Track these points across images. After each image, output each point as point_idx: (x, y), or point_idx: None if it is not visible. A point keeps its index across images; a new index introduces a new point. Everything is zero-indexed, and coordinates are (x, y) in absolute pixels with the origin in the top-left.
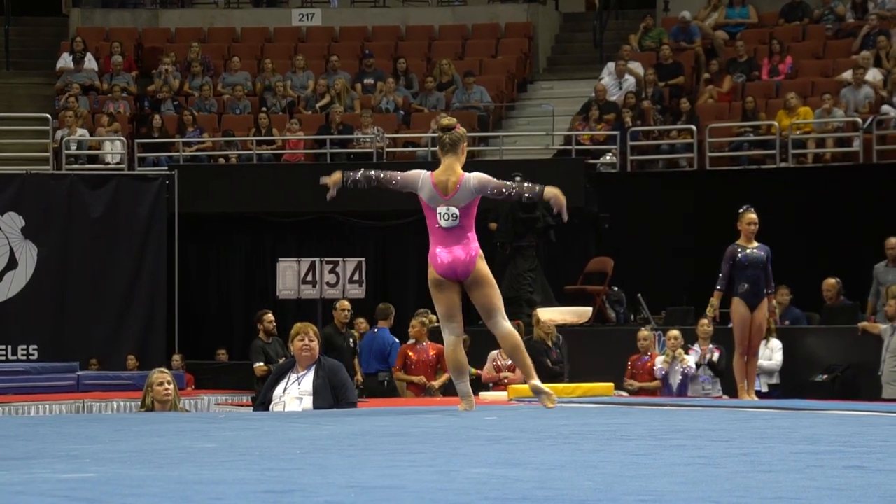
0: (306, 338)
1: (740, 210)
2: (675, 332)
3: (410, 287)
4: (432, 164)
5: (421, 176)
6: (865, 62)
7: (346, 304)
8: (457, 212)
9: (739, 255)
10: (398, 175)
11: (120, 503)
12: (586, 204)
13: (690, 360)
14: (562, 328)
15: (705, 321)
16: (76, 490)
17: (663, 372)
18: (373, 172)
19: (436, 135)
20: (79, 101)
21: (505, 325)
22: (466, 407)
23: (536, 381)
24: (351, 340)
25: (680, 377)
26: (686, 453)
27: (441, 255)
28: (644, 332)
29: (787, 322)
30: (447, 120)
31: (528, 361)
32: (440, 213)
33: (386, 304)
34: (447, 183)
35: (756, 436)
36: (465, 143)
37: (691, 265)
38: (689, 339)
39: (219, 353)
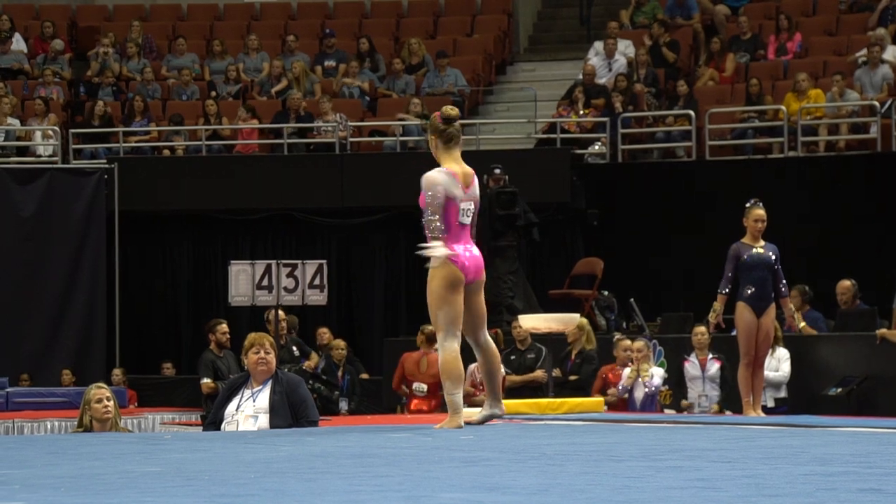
0: (262, 350)
1: (747, 205)
2: (639, 344)
3: (377, 292)
4: (400, 157)
5: (443, 177)
6: (883, 39)
7: (283, 313)
8: (472, 207)
9: (745, 255)
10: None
11: None
12: (573, 199)
13: (657, 376)
14: (545, 337)
15: (702, 329)
16: None
17: (627, 388)
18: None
19: (441, 126)
20: (7, 87)
21: (492, 342)
22: (455, 424)
23: (497, 409)
24: (295, 349)
25: (644, 392)
26: (683, 476)
27: (464, 253)
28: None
29: (802, 324)
30: (453, 110)
31: (500, 388)
32: (463, 209)
33: None
34: (465, 175)
35: (761, 456)
36: None
37: (690, 266)
38: (687, 350)
39: (164, 366)
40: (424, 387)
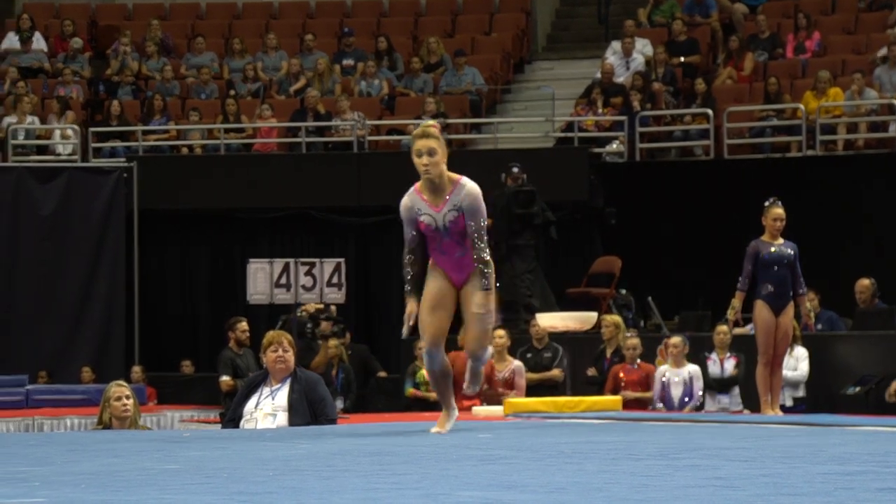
0: (280, 348)
1: (766, 203)
2: (675, 340)
3: (395, 290)
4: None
5: None
6: None
7: (310, 306)
8: None
9: (763, 252)
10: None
11: None
12: (591, 197)
13: (696, 378)
14: (562, 336)
15: (724, 328)
16: None
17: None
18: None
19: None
20: (28, 86)
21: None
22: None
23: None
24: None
25: (683, 389)
26: (701, 474)
27: None
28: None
29: (819, 326)
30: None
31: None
32: None
33: None
34: None
35: (779, 455)
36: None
37: (708, 265)
38: (706, 348)
39: (183, 364)
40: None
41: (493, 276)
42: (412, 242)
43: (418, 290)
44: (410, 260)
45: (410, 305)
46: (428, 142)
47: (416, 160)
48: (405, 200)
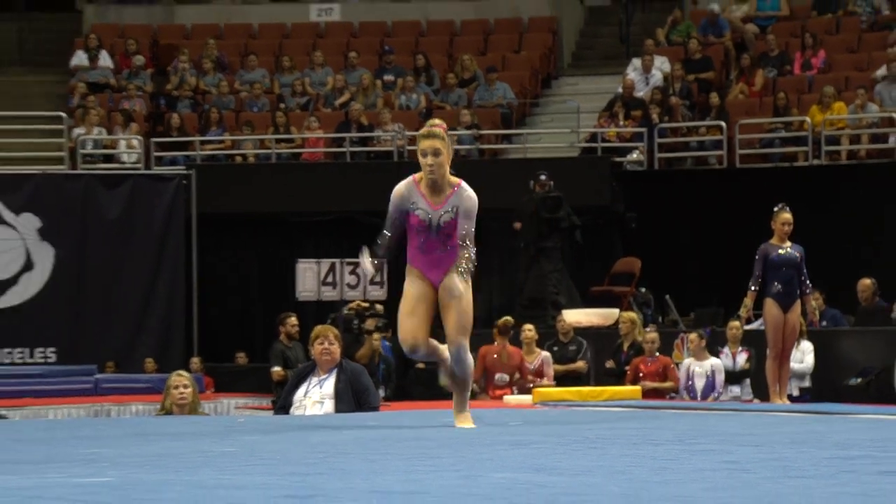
0: (326, 341)
1: (775, 209)
2: (693, 336)
3: None
4: (452, 165)
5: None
6: None
7: (356, 304)
8: None
9: (772, 254)
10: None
11: None
12: (612, 203)
13: (717, 371)
14: (586, 331)
15: (736, 324)
16: (93, 494)
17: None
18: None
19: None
20: (95, 100)
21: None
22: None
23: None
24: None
25: (706, 381)
26: (715, 458)
27: None
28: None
29: (824, 323)
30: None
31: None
32: None
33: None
34: None
35: (787, 440)
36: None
37: (721, 265)
38: (719, 342)
39: (238, 356)
40: (506, 377)
41: (472, 270)
42: (394, 224)
43: (382, 257)
44: (386, 236)
45: (365, 259)
46: (434, 142)
47: (420, 160)
48: (401, 188)
